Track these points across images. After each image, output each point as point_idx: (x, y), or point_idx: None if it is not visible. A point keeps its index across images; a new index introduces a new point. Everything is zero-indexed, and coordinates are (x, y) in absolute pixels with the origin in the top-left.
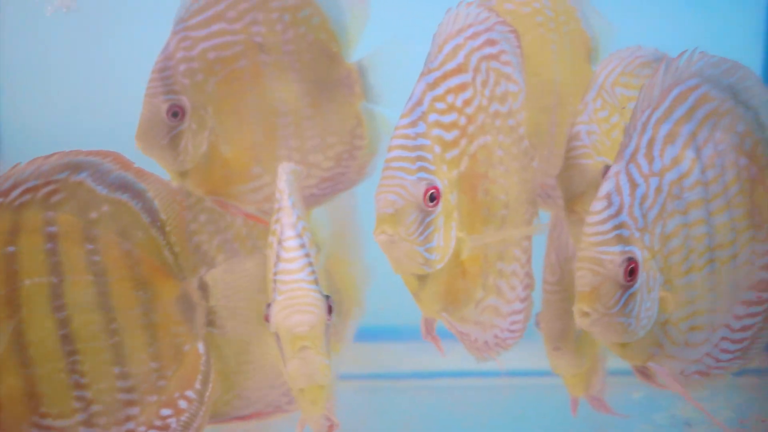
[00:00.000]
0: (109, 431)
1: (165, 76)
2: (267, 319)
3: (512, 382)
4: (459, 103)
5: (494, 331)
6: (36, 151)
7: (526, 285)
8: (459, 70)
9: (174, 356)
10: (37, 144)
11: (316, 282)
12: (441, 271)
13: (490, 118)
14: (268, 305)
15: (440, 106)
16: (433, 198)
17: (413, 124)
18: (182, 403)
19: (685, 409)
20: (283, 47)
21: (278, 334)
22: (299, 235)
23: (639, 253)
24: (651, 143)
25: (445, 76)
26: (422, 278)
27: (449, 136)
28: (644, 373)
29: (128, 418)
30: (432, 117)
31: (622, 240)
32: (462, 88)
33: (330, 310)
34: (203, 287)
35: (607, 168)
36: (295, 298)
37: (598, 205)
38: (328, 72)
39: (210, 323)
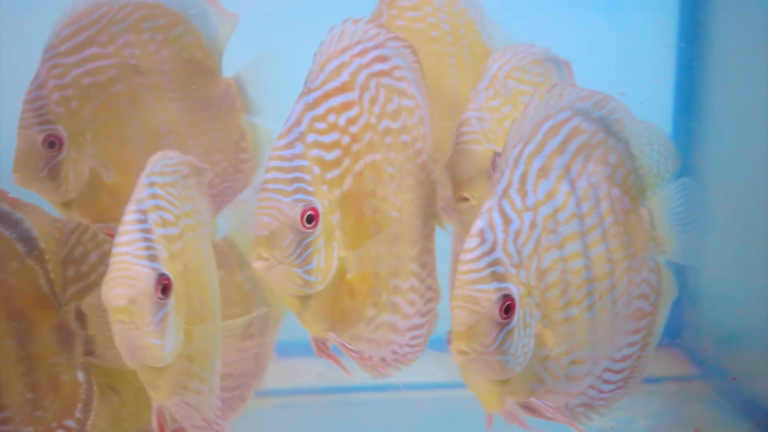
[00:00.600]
0: None
1: (38, 106)
2: None
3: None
4: (342, 122)
5: (392, 347)
6: None
7: (428, 299)
8: (343, 88)
9: (52, 386)
10: None
11: (150, 258)
12: (324, 291)
13: (379, 136)
14: None
15: (320, 126)
16: (311, 219)
17: (290, 145)
18: None
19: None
20: (159, 67)
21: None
22: (141, 210)
23: (515, 290)
24: (524, 178)
25: (326, 96)
26: (304, 299)
27: (330, 156)
28: (529, 408)
29: None
30: (311, 137)
31: (497, 277)
32: (346, 106)
33: (165, 288)
34: (80, 316)
35: (496, 155)
36: (117, 270)
37: (471, 242)
38: (206, 89)
39: (88, 352)
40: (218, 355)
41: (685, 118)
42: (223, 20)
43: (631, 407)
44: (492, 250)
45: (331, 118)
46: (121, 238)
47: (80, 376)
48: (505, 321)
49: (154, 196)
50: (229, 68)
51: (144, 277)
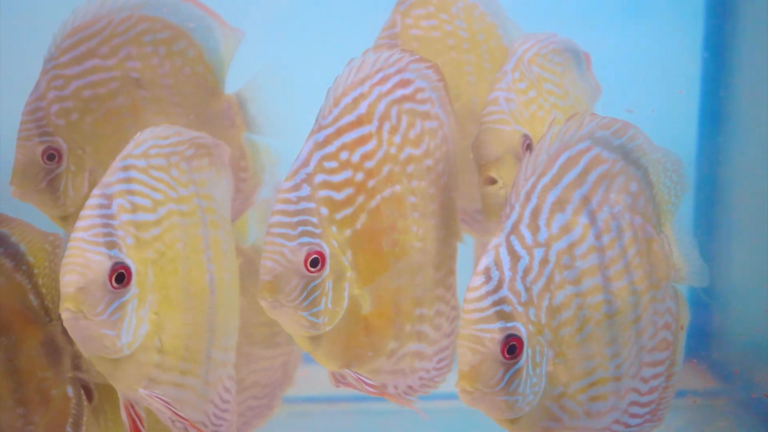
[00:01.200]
0: None
1: (37, 117)
2: None
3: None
4: (356, 158)
5: (419, 374)
6: None
7: (452, 318)
8: (359, 122)
9: (41, 401)
10: None
11: (108, 245)
12: (335, 330)
13: (399, 166)
14: None
15: (330, 164)
16: (316, 263)
17: (296, 187)
18: None
19: None
20: (161, 81)
21: None
22: (106, 195)
23: (522, 329)
24: (536, 212)
25: (339, 132)
26: (314, 338)
27: (340, 195)
28: None
29: None
30: (319, 178)
31: (502, 316)
32: (361, 141)
33: (122, 278)
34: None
35: (525, 138)
36: (70, 257)
37: (475, 280)
38: (207, 105)
39: (76, 367)
40: (223, 349)
41: (710, 129)
42: (226, 36)
43: None
44: (497, 288)
45: (343, 155)
46: (79, 223)
47: (69, 391)
48: (511, 361)
49: (127, 180)
50: (233, 84)
51: (96, 265)
